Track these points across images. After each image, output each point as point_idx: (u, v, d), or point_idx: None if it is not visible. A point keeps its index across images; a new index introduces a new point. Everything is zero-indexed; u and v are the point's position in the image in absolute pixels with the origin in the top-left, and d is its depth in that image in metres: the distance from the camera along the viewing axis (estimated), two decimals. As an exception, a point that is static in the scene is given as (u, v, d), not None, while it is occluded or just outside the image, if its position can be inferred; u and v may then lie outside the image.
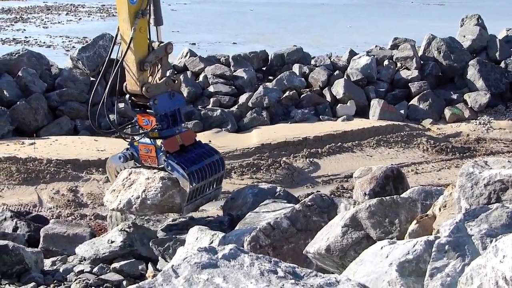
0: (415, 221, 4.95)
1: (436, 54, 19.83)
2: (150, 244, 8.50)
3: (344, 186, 13.87)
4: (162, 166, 9.26)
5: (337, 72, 19.33)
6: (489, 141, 16.71)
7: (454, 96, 19.07)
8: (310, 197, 6.74)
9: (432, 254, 3.61)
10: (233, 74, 18.73)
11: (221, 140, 15.84)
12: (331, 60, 20.16)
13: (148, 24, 9.34)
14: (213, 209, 12.27)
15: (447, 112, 18.35)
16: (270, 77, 19.06)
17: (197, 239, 7.60)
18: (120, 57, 9.36)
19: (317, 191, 12.76)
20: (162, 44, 9.52)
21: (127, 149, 9.84)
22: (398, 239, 4.83)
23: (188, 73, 18.94)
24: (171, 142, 9.41)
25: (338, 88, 18.56)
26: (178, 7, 42.15)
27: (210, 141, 15.64)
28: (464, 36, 20.76)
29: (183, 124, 10.12)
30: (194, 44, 26.85)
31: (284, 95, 18.08)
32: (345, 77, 19.04)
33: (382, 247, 4.24)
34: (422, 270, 3.71)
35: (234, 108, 17.46)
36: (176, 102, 9.79)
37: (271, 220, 6.39)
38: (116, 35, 9.42)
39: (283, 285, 2.73)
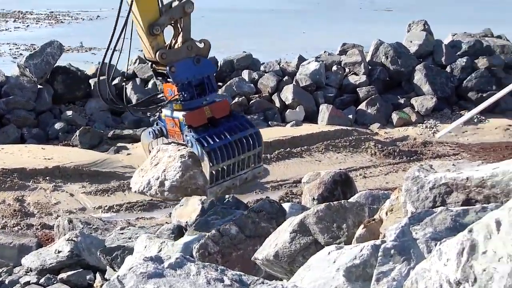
0: (362, 226, 4.96)
1: (384, 59, 20.05)
2: (98, 254, 8.34)
3: (293, 191, 13.90)
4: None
5: (286, 77, 19.41)
6: (436, 145, 16.93)
7: (401, 101, 19.30)
8: (258, 203, 6.75)
9: (378, 259, 3.63)
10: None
11: (170, 147, 15.75)
12: (280, 66, 20.24)
13: None
14: (162, 217, 12.21)
15: (395, 117, 18.55)
16: (220, 83, 19.05)
17: (145, 247, 7.52)
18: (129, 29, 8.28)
19: (266, 197, 12.77)
20: (178, 2, 8.43)
21: (157, 123, 8.94)
22: (346, 244, 4.84)
23: (137, 80, 18.85)
24: (194, 115, 8.37)
25: (287, 94, 18.64)
26: (127, 13, 41.94)
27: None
28: (411, 41, 21.01)
29: (215, 94, 8.97)
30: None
31: (234, 101, 18.09)
32: (294, 82, 19.14)
33: (329, 253, 4.24)
34: (369, 274, 3.72)
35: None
36: (202, 69, 8.59)
37: (220, 227, 6.37)
38: (120, 5, 8.18)
39: (228, 293, 2.71)
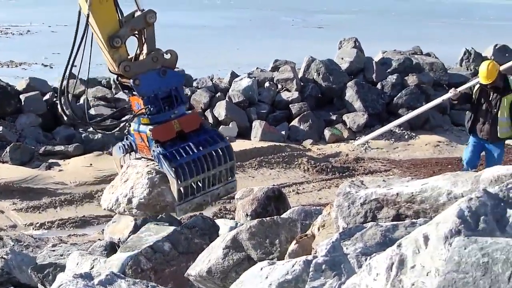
0: (294, 241, 5.01)
1: (316, 75, 20.22)
2: (29, 271, 8.21)
3: (227, 207, 13.89)
4: None
5: (219, 94, 19.41)
6: (367, 161, 17.10)
7: (333, 117, 19.46)
8: (191, 219, 6.75)
9: (310, 274, 3.66)
10: (115, 96, 18.56)
11: (103, 163, 15.62)
12: (213, 82, 20.24)
13: None
14: (94, 234, 12.09)
15: (327, 133, 18.69)
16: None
17: (77, 264, 7.43)
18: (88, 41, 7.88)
19: (200, 213, 12.74)
20: (140, 13, 8.06)
21: (126, 137, 8.59)
22: (279, 259, 4.88)
23: (69, 95, 18.63)
24: (161, 129, 8.04)
25: (220, 110, 18.65)
26: (58, 28, 41.35)
27: (91, 164, 15.43)
28: (342, 58, 21.24)
29: (184, 106, 8.56)
30: (75, 66, 26.43)
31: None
32: (227, 99, 19.14)
33: (262, 268, 4.27)
34: (301, 290, 3.75)
35: (115, 131, 17.23)
36: (169, 81, 8.24)
37: (153, 243, 6.35)
38: (78, 19, 7.92)
39: (160, 310, 2.72)
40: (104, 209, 8.32)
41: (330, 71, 20.16)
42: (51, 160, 15.84)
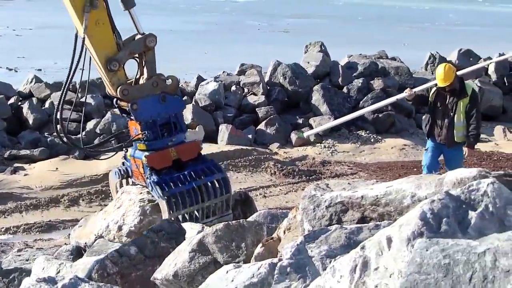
0: (260, 244, 5.02)
1: (282, 79, 20.28)
2: (-6, 276, 8.18)
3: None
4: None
5: (185, 97, 19.37)
6: (334, 164, 17.17)
7: (300, 121, 19.52)
8: (157, 223, 6.73)
9: (275, 277, 3.68)
10: (81, 100, 18.45)
11: (69, 167, 15.55)
12: (180, 86, 20.21)
13: (109, 14, 7.78)
14: (60, 238, 12.00)
15: (293, 136, 18.73)
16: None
17: (43, 269, 7.39)
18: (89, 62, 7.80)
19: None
20: (139, 37, 8.00)
21: (123, 163, 8.54)
22: (245, 262, 4.89)
23: (34, 99, 18.51)
24: (156, 157, 7.95)
25: (187, 114, 18.62)
26: (23, 32, 41.07)
27: (57, 169, 15.33)
28: (308, 62, 21.34)
29: (183, 134, 8.46)
30: (40, 70, 26.30)
31: (133, 121, 17.97)
32: (193, 102, 19.13)
33: (227, 271, 4.28)
34: (267, 292, 3.77)
35: (81, 135, 17.12)
36: (169, 107, 8.16)
37: (119, 247, 6.33)
38: (75, 40, 7.80)
39: (125, 312, 2.72)
40: (94, 235, 8.12)
41: (296, 75, 20.23)
42: (16, 164, 15.73)
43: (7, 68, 28.03)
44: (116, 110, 17.60)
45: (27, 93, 18.92)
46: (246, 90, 20.22)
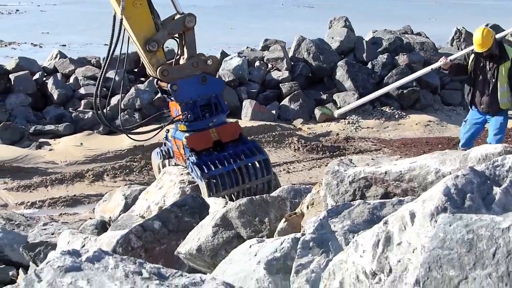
0: (283, 219, 5.03)
1: (306, 55, 20.19)
2: (21, 249, 8.24)
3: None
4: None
5: (209, 73, 19.36)
6: (358, 140, 17.14)
7: (324, 96, 19.47)
8: (181, 197, 6.75)
9: (297, 251, 3.69)
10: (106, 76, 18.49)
11: (93, 143, 15.64)
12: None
13: None
14: (85, 212, 12.10)
15: (317, 112, 18.70)
16: (142, 79, 18.93)
17: (68, 243, 7.45)
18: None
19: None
20: (179, 16, 7.87)
21: (165, 143, 8.54)
22: (268, 237, 4.90)
23: (58, 75, 18.58)
24: (197, 138, 7.89)
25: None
26: (47, 7, 41.26)
27: (81, 144, 15.42)
28: (333, 38, 21.23)
29: (224, 115, 8.33)
30: (65, 45, 26.41)
31: (156, 97, 18.00)
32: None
33: (250, 246, 4.29)
34: (290, 267, 3.77)
35: (106, 110, 17.15)
36: (209, 88, 8.03)
37: (143, 222, 6.36)
38: (114, 23, 7.66)
39: (147, 286, 2.73)
40: (136, 215, 8.05)
41: (321, 51, 20.14)
42: (41, 140, 15.84)
43: (31, 43, 28.16)
44: (140, 86, 17.79)
45: (51, 69, 18.99)
46: (270, 65, 20.17)
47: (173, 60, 8.12)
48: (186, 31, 7.97)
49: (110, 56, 7.76)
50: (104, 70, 7.92)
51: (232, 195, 7.90)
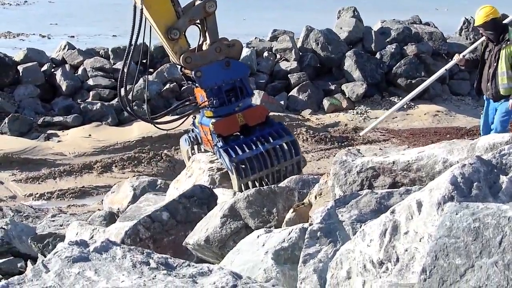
0: (291, 210, 5.04)
1: (314, 45, 20.15)
2: (29, 241, 8.27)
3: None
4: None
5: (217, 64, 19.35)
6: (366, 130, 17.10)
7: (332, 87, 19.44)
8: (189, 188, 6.76)
9: (305, 241, 3.70)
10: (113, 67, 18.51)
11: (101, 134, 15.66)
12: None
13: None
14: (93, 204, 12.14)
15: (326, 103, 18.69)
16: (151, 70, 18.93)
17: (77, 234, 7.48)
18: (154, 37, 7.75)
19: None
20: (199, 2, 7.78)
21: (192, 130, 8.50)
22: (276, 228, 4.91)
23: (67, 66, 18.59)
24: (223, 123, 7.80)
25: (219, 80, 18.61)
26: (56, -1, 41.27)
27: (90, 135, 15.45)
28: (341, 28, 21.16)
29: (250, 99, 8.24)
30: (73, 37, 26.38)
31: (165, 88, 18.01)
32: (225, 68, 19.09)
33: (258, 236, 4.31)
34: (298, 257, 3.78)
35: (114, 101, 17.20)
36: (233, 72, 7.95)
37: (151, 213, 6.38)
38: (134, 13, 7.59)
39: (155, 276, 2.74)
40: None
41: (329, 41, 20.10)
42: (49, 131, 15.87)
43: (40, 35, 28.16)
44: (149, 76, 17.78)
45: (60, 60, 19.00)
46: (278, 56, 20.15)
47: (196, 46, 8.12)
48: (207, 16, 7.92)
49: (133, 46, 7.71)
50: (128, 61, 7.83)
51: (262, 179, 7.87)
